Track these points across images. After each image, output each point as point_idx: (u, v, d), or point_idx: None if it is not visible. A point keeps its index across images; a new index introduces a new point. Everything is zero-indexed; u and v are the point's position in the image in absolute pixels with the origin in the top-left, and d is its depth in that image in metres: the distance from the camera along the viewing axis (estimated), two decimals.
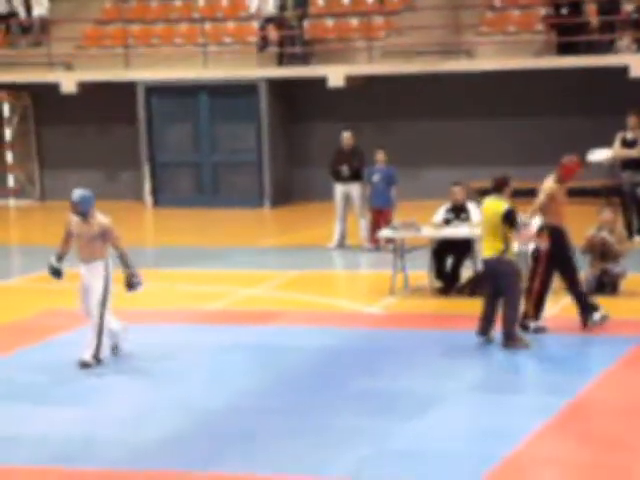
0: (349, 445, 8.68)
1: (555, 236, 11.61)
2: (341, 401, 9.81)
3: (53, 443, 8.93)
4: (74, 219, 11.12)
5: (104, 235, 11.04)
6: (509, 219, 11.13)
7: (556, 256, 11.60)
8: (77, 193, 11.11)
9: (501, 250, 11.17)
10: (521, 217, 11.45)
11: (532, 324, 11.75)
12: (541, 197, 11.71)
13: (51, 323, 12.97)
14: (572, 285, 11.76)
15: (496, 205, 11.24)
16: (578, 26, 20.54)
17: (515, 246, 11.69)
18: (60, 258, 11.24)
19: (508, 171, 11.95)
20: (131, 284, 11.20)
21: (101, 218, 11.14)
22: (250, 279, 15.35)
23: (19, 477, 8.29)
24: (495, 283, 11.29)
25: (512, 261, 11.33)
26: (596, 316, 11.78)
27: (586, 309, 11.77)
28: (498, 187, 11.34)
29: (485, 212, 11.37)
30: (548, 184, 11.80)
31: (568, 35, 20.61)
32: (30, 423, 9.45)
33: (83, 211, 11.04)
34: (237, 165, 22.93)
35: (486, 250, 11.32)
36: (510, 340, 11.23)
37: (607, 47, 20.61)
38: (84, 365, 10.94)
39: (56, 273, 11.26)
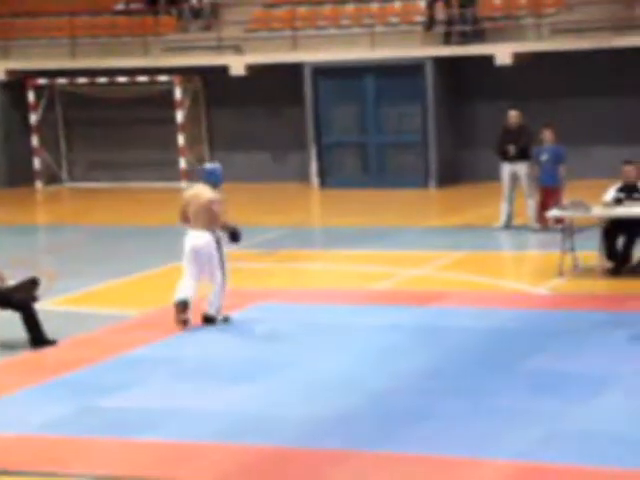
0: (521, 426, 8.59)
1: None
2: (510, 382, 9.72)
3: (221, 420, 9.13)
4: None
5: None
6: None
7: None
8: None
9: None
10: None
11: None
12: None
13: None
14: None
15: None
16: None
17: None
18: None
19: None
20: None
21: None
22: (416, 259, 15.35)
23: (191, 453, 8.53)
24: None
25: None
26: None
27: None
28: None
29: None
30: None
31: None
32: (205, 399, 9.68)
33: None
34: (403, 145, 22.91)
35: None
36: None
37: None
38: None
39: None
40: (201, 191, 12.07)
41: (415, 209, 20.45)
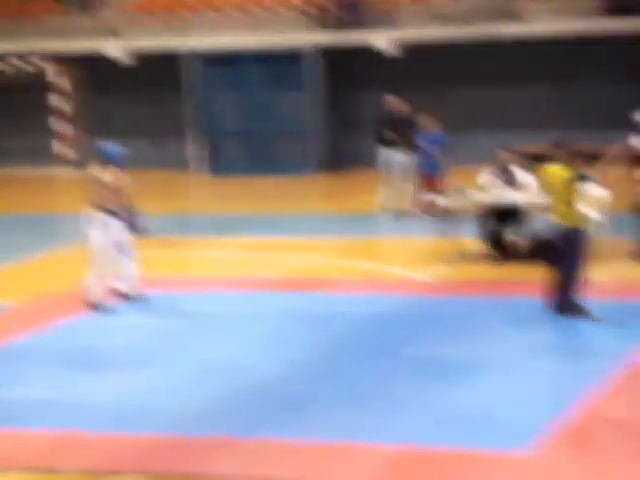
0: (401, 412, 8.70)
1: None
2: (392, 368, 9.83)
3: (108, 409, 9.04)
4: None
5: None
6: (578, 179, 10.93)
7: None
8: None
9: (569, 216, 11.01)
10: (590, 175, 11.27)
11: None
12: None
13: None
14: None
15: (559, 170, 11.07)
16: None
17: (585, 211, 11.40)
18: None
19: (565, 135, 11.75)
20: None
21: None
22: (300, 246, 15.39)
23: (79, 442, 8.42)
24: (563, 249, 11.12)
25: (580, 228, 11.10)
26: None
27: None
28: (556, 152, 11.16)
29: (548, 178, 11.18)
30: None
31: None
32: (86, 390, 9.57)
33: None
34: (287, 133, 22.95)
35: (555, 217, 11.13)
36: (567, 308, 11.11)
37: None
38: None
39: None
40: (94, 171, 12.10)
41: (301, 196, 20.49)
